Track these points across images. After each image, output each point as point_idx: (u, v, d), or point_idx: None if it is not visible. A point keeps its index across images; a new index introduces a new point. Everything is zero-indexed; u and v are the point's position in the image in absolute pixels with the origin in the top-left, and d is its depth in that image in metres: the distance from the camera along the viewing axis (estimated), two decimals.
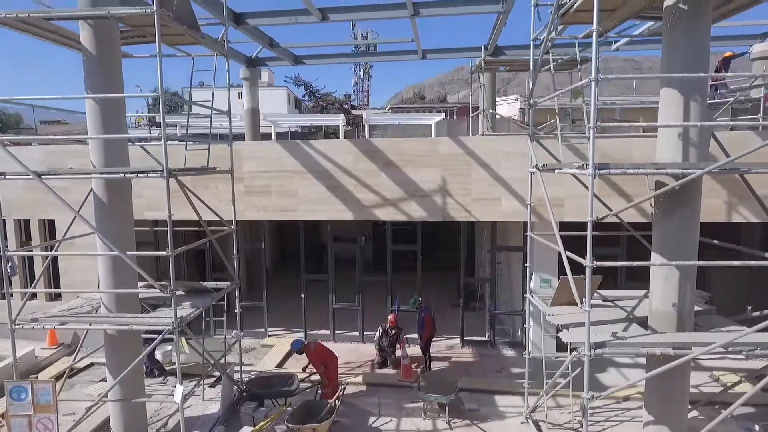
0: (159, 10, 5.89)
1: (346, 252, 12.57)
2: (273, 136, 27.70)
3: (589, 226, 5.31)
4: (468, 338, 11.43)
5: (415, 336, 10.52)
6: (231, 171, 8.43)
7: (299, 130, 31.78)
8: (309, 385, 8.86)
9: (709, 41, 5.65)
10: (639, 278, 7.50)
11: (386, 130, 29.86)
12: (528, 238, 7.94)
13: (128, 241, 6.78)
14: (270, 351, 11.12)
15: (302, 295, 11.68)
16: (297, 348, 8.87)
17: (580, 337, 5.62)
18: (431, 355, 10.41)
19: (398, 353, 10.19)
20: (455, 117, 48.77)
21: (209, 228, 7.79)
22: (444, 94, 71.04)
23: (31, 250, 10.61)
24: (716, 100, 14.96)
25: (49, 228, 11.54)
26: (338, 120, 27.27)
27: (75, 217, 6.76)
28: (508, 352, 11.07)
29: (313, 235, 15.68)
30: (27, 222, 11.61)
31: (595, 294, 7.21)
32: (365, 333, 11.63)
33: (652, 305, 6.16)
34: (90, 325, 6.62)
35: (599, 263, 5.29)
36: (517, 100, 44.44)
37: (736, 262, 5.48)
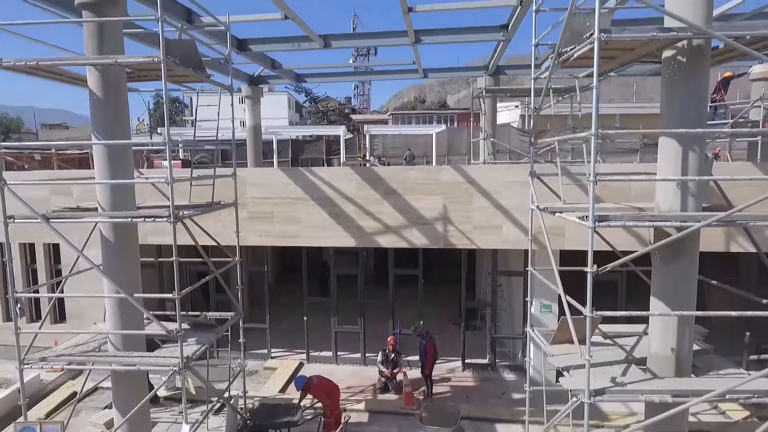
0: (165, 58, 5.98)
1: (348, 274, 12.60)
2: (274, 144, 27.89)
3: (589, 278, 5.39)
4: (469, 361, 11.52)
5: (417, 358, 10.64)
6: (235, 204, 8.51)
7: (300, 137, 31.87)
8: (311, 415, 8.94)
9: (708, 89, 5.74)
10: (640, 299, 7.55)
11: (386, 138, 29.95)
12: (529, 272, 8.02)
13: (134, 280, 6.88)
14: (273, 375, 11.21)
15: (304, 318, 11.78)
16: (300, 387, 8.89)
17: (580, 384, 5.71)
18: (433, 379, 10.51)
19: (399, 377, 10.30)
20: (455, 123, 48.87)
21: (213, 257, 7.87)
22: (444, 94, 71.15)
23: (37, 291, 10.68)
24: (715, 121, 15.06)
25: (54, 251, 11.65)
26: (339, 130, 27.42)
27: (83, 248, 6.89)
28: (509, 376, 11.17)
29: (316, 255, 15.78)
30: (32, 244, 11.72)
31: (595, 330, 7.30)
32: (367, 355, 11.74)
33: (651, 348, 6.24)
34: (94, 365, 6.71)
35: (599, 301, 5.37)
36: (517, 106, 44.63)
37: (734, 312, 5.56)
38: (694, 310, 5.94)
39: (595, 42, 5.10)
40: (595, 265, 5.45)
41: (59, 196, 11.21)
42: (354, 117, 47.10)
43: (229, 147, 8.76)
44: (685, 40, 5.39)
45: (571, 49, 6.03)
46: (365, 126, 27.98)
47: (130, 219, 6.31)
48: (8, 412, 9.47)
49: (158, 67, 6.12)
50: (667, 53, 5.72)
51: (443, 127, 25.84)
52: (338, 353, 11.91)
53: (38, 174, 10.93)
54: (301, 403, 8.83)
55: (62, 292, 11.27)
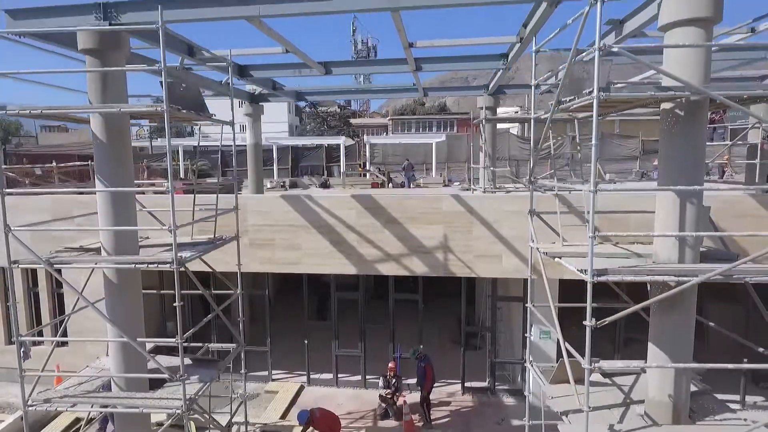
0: (168, 107, 6.03)
1: (349, 296, 12.63)
2: (274, 153, 27.95)
3: (588, 332, 5.46)
4: (468, 385, 11.60)
5: (415, 380, 10.73)
6: (237, 238, 8.57)
7: (300, 145, 31.95)
8: None
9: (705, 138, 5.80)
10: (639, 329, 7.56)
11: (386, 145, 30.02)
12: (528, 309, 8.07)
13: (137, 321, 6.95)
14: (274, 399, 11.28)
15: (305, 341, 11.86)
16: (303, 422, 8.93)
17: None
18: (431, 403, 10.59)
19: (400, 402, 10.39)
20: (455, 129, 49.02)
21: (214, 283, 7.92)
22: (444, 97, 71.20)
23: (41, 332, 10.75)
24: (714, 142, 15.11)
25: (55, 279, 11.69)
26: (340, 140, 27.46)
27: (82, 289, 6.97)
28: (509, 401, 11.25)
29: (317, 277, 15.84)
30: (34, 270, 11.77)
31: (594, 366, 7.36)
32: (367, 378, 11.82)
33: (649, 393, 6.31)
34: (98, 407, 6.78)
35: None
36: (517, 112, 44.66)
37: (730, 365, 5.63)
38: (691, 359, 6.01)
39: (594, 101, 5.16)
40: (594, 318, 5.52)
41: (61, 221, 11.31)
42: (354, 121, 47.13)
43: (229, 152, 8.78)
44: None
45: (570, 100, 6.10)
46: (365, 136, 28.02)
47: (133, 265, 6.37)
48: None
49: (161, 114, 6.18)
50: (666, 105, 5.77)
51: (443, 137, 25.90)
52: (339, 376, 11.99)
53: (41, 203, 10.96)
54: None
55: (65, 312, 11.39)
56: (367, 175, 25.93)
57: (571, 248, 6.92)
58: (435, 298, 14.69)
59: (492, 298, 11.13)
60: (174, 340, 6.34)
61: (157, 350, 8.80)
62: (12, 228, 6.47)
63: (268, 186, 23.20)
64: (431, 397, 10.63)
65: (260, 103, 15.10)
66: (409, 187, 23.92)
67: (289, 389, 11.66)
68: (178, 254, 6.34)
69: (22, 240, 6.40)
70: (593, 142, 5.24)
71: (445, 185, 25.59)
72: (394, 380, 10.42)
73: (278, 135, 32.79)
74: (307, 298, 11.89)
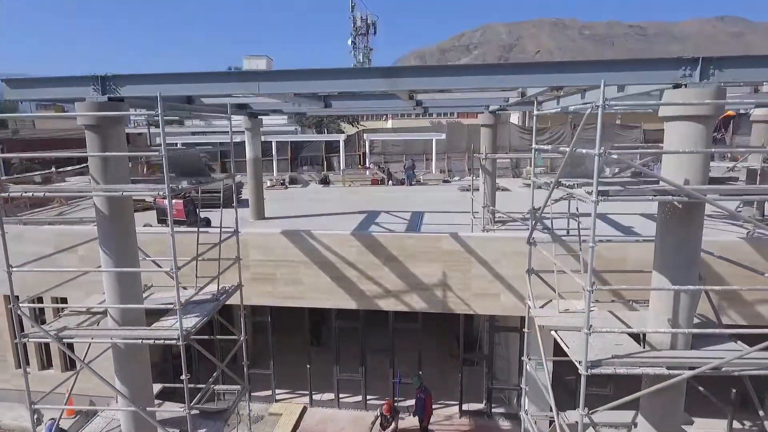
0: (170, 192, 6.07)
1: (350, 324, 12.79)
2: (273, 148, 27.79)
3: (581, 421, 5.68)
4: (466, 408, 11.99)
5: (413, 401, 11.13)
6: (240, 287, 8.71)
7: (299, 139, 31.74)
8: None
9: (701, 235, 5.89)
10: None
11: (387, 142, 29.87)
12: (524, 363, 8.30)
13: (147, 394, 7.18)
14: (278, 422, 11.68)
15: (308, 366, 12.20)
16: None
17: None
18: (428, 428, 11.01)
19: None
20: (455, 114, 48.37)
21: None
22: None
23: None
24: (715, 162, 15.04)
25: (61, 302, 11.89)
26: (340, 138, 27.31)
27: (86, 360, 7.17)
28: (505, 424, 11.66)
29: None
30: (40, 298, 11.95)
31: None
32: (368, 399, 12.21)
33: None
34: None
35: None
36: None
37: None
38: (679, 429, 6.27)
39: (593, 206, 5.22)
40: (587, 408, 5.74)
41: (65, 254, 11.43)
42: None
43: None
44: None
45: (569, 185, 6.15)
46: (365, 135, 27.87)
47: (140, 341, 6.54)
48: None
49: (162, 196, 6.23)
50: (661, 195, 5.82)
51: (443, 135, 25.77)
52: (340, 397, 12.37)
53: (42, 234, 11.04)
54: None
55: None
56: (367, 172, 25.86)
57: (567, 318, 7.06)
58: (434, 315, 14.95)
59: (490, 331, 11.37)
60: (182, 410, 6.58)
61: (164, 394, 9.11)
62: (13, 267, 6.58)
63: (268, 184, 23.19)
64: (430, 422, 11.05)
65: (259, 117, 14.99)
66: (410, 185, 23.93)
67: (293, 411, 12.06)
68: (184, 327, 6.51)
69: (25, 270, 6.51)
70: (592, 242, 5.32)
71: (445, 181, 25.63)
72: (390, 418, 10.73)
73: (277, 124, 32.38)
74: (308, 326, 12.13)
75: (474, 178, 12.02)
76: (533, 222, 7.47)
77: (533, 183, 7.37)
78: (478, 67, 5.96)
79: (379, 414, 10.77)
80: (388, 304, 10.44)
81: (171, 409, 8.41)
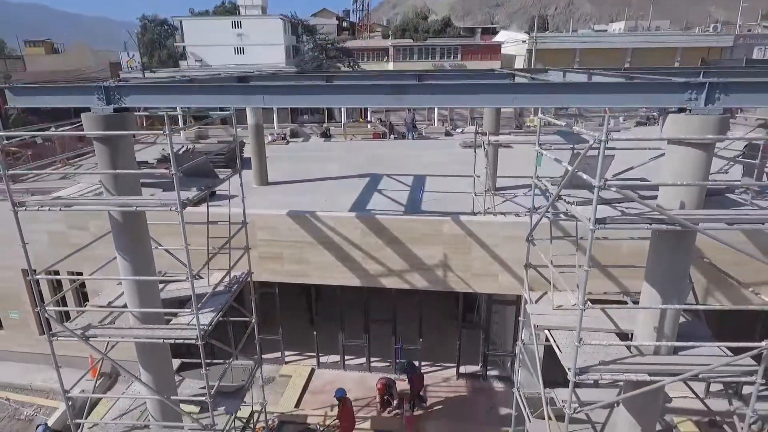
0: (182, 210, 6.28)
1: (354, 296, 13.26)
2: (275, 114, 27.20)
3: (567, 418, 6.27)
4: (463, 370, 12.85)
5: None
6: (249, 274, 9.11)
7: None
8: None
9: (690, 260, 6.16)
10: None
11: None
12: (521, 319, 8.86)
13: (168, 377, 7.78)
14: (288, 384, 12.57)
15: (314, 333, 12.94)
16: (339, 396, 10.66)
17: None
18: (425, 392, 11.91)
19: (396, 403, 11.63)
20: (459, 56, 46.68)
21: None
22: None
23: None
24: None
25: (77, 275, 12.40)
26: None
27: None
28: (499, 386, 12.56)
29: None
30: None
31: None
32: (372, 362, 13.07)
33: None
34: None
35: None
36: (524, 41, 42.39)
37: None
38: (656, 423, 6.91)
39: (590, 236, 5.46)
40: (575, 405, 6.31)
41: (76, 230, 11.77)
42: (352, 45, 44.52)
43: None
44: None
45: (569, 202, 6.33)
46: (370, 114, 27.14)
47: (161, 341, 7.02)
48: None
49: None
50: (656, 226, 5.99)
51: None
52: (345, 360, 13.23)
53: (55, 215, 11.28)
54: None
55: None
56: (369, 125, 25.57)
57: (560, 318, 7.49)
58: None
59: (488, 302, 11.92)
60: (204, 398, 7.21)
61: (183, 369, 9.80)
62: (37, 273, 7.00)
63: (269, 139, 23.08)
64: (428, 378, 11.97)
65: None
66: (412, 139, 23.79)
67: (302, 373, 12.95)
68: (202, 323, 6.98)
69: (41, 243, 6.87)
70: (585, 268, 5.61)
71: (447, 134, 25.42)
72: (388, 397, 11.50)
73: (274, 65, 31.47)
74: (314, 296, 12.70)
75: (477, 129, 11.76)
76: (532, 221, 7.71)
77: (534, 185, 7.52)
78: (480, 87, 5.94)
79: (377, 396, 11.55)
80: (391, 282, 10.91)
81: (190, 386, 9.14)
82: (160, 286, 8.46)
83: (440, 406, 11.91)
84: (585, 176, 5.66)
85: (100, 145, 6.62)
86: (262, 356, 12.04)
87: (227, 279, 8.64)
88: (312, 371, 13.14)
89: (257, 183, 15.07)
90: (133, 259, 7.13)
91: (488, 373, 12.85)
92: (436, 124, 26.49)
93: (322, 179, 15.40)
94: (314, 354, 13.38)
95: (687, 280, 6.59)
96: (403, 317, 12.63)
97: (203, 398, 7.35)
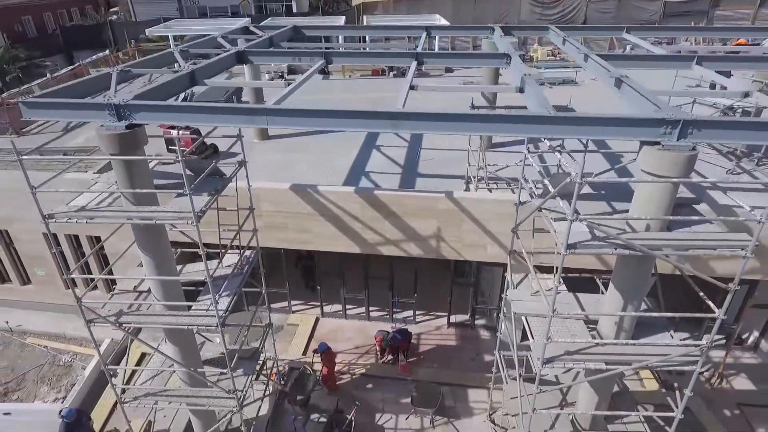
0: (197, 222, 6.93)
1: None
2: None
3: (535, 394, 7.44)
4: (453, 320, 14.20)
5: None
6: (258, 252, 9.94)
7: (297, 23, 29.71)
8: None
9: (653, 266, 6.93)
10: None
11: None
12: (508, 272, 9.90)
13: (193, 349, 8.90)
14: (296, 332, 13.96)
15: (318, 287, 14.10)
16: (322, 350, 11.88)
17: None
18: (419, 334, 13.31)
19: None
20: None
21: None
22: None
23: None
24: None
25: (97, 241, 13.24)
26: (340, 20, 25.64)
27: None
28: (485, 334, 13.97)
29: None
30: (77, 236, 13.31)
31: None
32: (371, 313, 14.39)
33: (579, 403, 8.64)
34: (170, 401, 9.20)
35: None
36: None
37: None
38: (611, 393, 8.13)
39: (562, 257, 6.19)
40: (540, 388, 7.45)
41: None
42: None
43: None
44: None
45: (549, 217, 6.98)
46: (365, 17, 25.96)
47: (185, 327, 8.02)
48: (99, 376, 12.36)
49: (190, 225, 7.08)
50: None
51: (442, 19, 24.10)
52: (347, 310, 14.53)
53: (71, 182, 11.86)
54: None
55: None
56: None
57: (536, 305, 8.40)
58: None
59: (477, 265, 12.89)
60: (226, 371, 8.39)
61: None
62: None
63: (267, 78, 22.74)
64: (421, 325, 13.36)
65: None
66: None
67: (308, 322, 14.30)
68: (220, 309, 7.95)
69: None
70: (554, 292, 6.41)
71: (448, 69, 24.95)
72: (391, 340, 12.77)
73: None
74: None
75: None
76: (518, 217, 8.38)
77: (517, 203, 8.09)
78: (471, 116, 6.32)
79: (377, 346, 12.89)
80: (388, 250, 11.78)
81: (211, 349, 10.37)
82: (178, 267, 9.31)
83: (431, 353, 13.37)
84: (562, 203, 6.26)
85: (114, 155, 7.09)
86: (271, 305, 13.33)
87: (238, 260, 9.47)
88: (317, 320, 14.49)
89: (258, 138, 15.39)
90: (154, 255, 7.90)
91: (476, 322, 14.21)
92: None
93: (322, 132, 15.63)
94: (318, 304, 14.66)
95: (647, 285, 7.42)
96: (400, 275, 13.70)
97: (225, 371, 8.52)
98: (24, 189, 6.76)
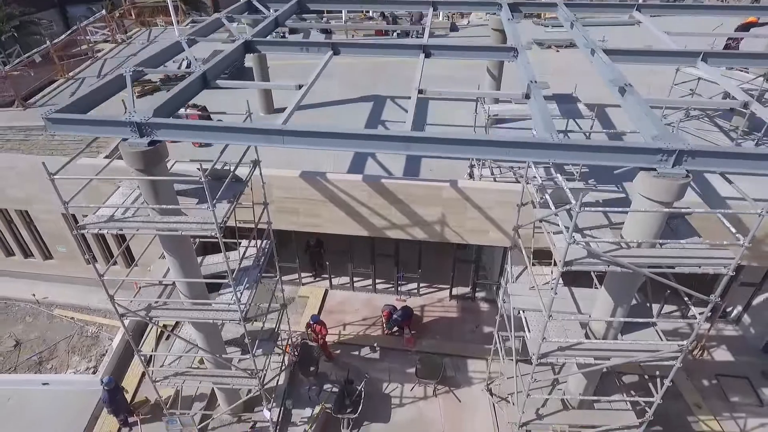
0: (220, 234, 7.43)
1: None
2: None
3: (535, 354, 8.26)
4: (455, 292, 15.01)
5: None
6: (272, 243, 10.50)
7: None
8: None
9: (635, 289, 7.51)
10: None
11: None
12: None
13: (216, 333, 9.69)
14: (307, 304, 14.81)
15: (326, 263, 14.81)
16: (314, 321, 12.87)
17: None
18: (422, 308, 14.18)
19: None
20: None
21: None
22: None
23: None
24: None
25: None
26: None
27: None
28: (485, 306, 14.82)
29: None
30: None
31: None
32: (377, 285, 15.19)
33: (570, 385, 9.53)
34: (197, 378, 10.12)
35: None
36: None
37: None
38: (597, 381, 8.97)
39: (559, 272, 6.75)
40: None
41: (105, 183, 12.77)
42: None
43: None
44: None
45: (548, 231, 7.47)
46: None
47: (211, 321, 8.73)
48: (126, 346, 13.30)
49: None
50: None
51: None
52: (354, 282, 15.32)
53: (85, 167, 12.22)
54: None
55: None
56: (371, 21, 24.36)
57: (534, 299, 9.03)
58: None
59: (478, 247, 13.50)
60: (247, 356, 9.21)
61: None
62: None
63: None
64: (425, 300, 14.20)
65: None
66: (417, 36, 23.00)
67: (317, 294, 15.13)
68: (242, 307, 8.64)
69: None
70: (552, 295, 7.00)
71: (453, 29, 24.37)
72: (393, 322, 13.57)
73: None
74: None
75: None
76: (519, 215, 8.85)
77: (519, 204, 8.48)
78: (478, 141, 6.66)
79: (384, 320, 13.71)
80: (394, 234, 12.33)
81: (231, 329, 11.17)
82: (198, 259, 9.90)
83: (434, 325, 14.28)
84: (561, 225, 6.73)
85: (140, 173, 7.48)
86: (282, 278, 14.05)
87: (255, 252, 10.06)
88: (326, 292, 15.31)
89: (264, 111, 15.56)
90: (177, 255, 8.46)
91: (477, 294, 15.03)
92: (441, 18, 25.09)
93: (325, 104, 15.65)
94: (327, 276, 15.43)
95: (636, 287, 8.01)
96: (405, 252, 14.36)
97: (246, 356, 9.35)
98: (41, 174, 6.98)
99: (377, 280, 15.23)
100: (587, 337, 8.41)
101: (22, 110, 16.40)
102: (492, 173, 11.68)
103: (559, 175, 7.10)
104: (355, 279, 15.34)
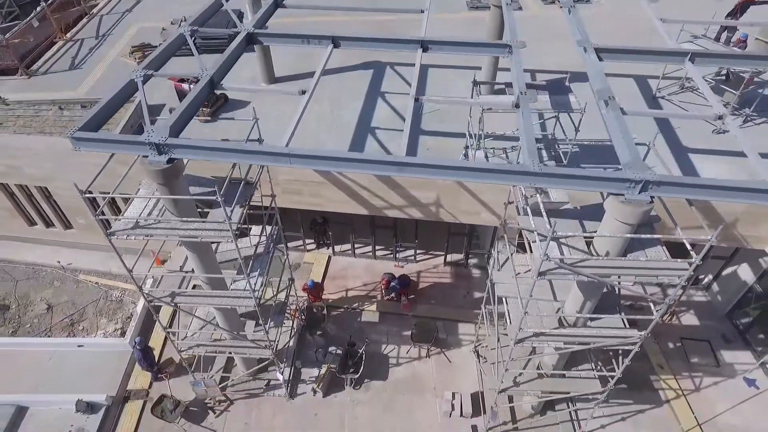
0: (236, 240, 8.34)
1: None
2: None
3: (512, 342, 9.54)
4: (449, 259, 16.14)
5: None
6: (281, 230, 11.42)
7: None
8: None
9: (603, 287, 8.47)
10: None
11: None
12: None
13: (234, 315, 10.90)
14: (311, 270, 15.99)
15: (329, 232, 15.81)
16: (311, 287, 14.15)
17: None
18: (418, 273, 15.41)
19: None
20: None
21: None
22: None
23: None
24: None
25: None
26: None
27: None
28: (476, 273, 16.02)
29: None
30: None
31: None
32: (377, 252, 16.31)
33: (544, 359, 10.88)
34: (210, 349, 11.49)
35: None
36: None
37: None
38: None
39: (533, 281, 7.74)
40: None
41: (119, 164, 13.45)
42: None
43: None
44: None
45: (531, 240, 8.36)
46: None
47: (229, 307, 9.86)
48: (149, 312, 14.62)
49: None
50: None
51: None
52: (356, 249, 16.42)
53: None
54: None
55: None
56: None
57: (515, 288, 10.08)
58: None
59: (471, 226, 14.41)
60: (263, 339, 10.47)
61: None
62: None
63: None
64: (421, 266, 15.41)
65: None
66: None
67: (321, 260, 16.28)
68: (256, 289, 9.75)
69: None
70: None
71: None
72: (392, 289, 14.74)
73: None
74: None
75: None
76: (504, 220, 9.70)
77: (506, 202, 9.26)
78: (468, 169, 7.38)
79: (383, 287, 14.90)
80: (393, 213, 13.21)
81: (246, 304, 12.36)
82: (213, 246, 10.88)
83: (429, 290, 15.55)
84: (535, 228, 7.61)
85: (161, 185, 8.25)
86: (288, 245, 15.15)
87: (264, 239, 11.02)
88: (329, 259, 16.46)
89: (265, 81, 15.84)
90: (196, 249, 9.43)
91: (469, 261, 16.18)
92: None
93: (325, 74, 15.86)
94: (330, 243, 16.51)
95: (603, 288, 9.02)
96: (403, 224, 15.32)
97: (262, 337, 10.60)
98: (58, 155, 7.74)
99: (377, 247, 16.32)
100: (561, 323, 9.55)
101: (26, 78, 16.65)
102: (486, 156, 12.35)
103: (539, 195, 7.86)
104: (356, 246, 16.42)
